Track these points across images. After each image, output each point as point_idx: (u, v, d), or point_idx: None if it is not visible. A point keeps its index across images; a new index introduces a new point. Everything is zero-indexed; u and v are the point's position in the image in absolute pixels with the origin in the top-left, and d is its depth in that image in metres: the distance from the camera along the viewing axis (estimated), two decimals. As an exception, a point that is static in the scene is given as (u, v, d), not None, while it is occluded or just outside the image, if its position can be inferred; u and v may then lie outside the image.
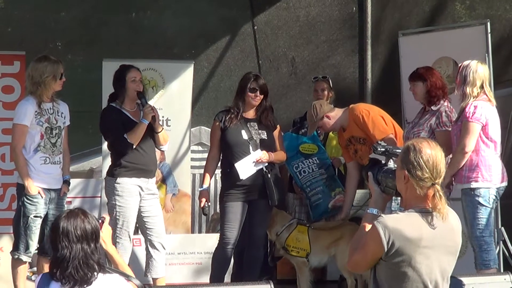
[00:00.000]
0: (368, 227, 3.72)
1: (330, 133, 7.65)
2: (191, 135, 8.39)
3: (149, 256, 6.66)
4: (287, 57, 9.76)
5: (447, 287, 3.73)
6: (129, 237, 6.54)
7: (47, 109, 6.44)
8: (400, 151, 3.80)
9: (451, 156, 6.29)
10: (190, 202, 8.34)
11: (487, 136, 6.19)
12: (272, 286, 4.82)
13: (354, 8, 9.81)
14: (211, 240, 7.34)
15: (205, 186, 6.65)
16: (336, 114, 6.82)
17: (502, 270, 6.59)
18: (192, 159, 8.52)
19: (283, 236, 6.92)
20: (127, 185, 6.48)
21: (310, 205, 7.39)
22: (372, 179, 3.90)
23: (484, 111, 6.16)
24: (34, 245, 6.41)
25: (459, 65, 6.44)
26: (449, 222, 3.70)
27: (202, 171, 7.13)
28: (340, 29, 9.82)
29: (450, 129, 6.42)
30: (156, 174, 6.77)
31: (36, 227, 6.36)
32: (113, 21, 9.32)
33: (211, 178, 6.75)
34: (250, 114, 6.67)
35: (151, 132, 6.57)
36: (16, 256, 6.41)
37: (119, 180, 6.47)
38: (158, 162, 7.00)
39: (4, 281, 6.97)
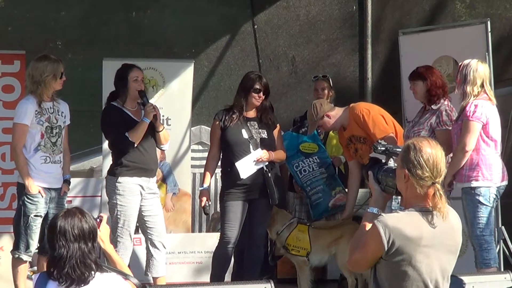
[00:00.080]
0: (368, 226, 3.72)
1: (331, 132, 7.65)
2: (191, 134, 8.39)
3: (149, 255, 6.66)
4: (287, 56, 9.76)
5: (447, 286, 3.73)
6: (130, 236, 6.54)
7: (48, 108, 6.44)
8: (400, 150, 3.80)
9: (451, 155, 6.29)
10: (190, 201, 8.34)
11: (488, 135, 6.19)
12: (273, 285, 4.81)
13: (354, 7, 9.81)
14: (212, 240, 7.34)
15: (205, 185, 6.65)
16: (336, 113, 6.81)
17: (502, 269, 6.59)
18: (193, 158, 8.52)
19: (283, 235, 6.92)
20: (128, 184, 6.48)
21: (310, 204, 7.40)
22: (372, 178, 3.90)
23: (484, 110, 6.16)
24: (34, 244, 6.41)
25: (459, 64, 6.44)
26: (449, 221, 3.70)
27: (202, 170, 7.13)
28: (340, 28, 9.82)
29: (450, 128, 6.42)
30: (156, 174, 6.77)
31: (36, 226, 6.36)
32: (113, 20, 9.32)
33: (211, 177, 6.75)
34: (251, 113, 6.67)
35: (152, 131, 6.58)
36: (17, 256, 6.41)
37: (120, 179, 6.47)
38: (158, 161, 6.99)
39: (5, 280, 6.97)
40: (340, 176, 7.56)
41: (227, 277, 6.89)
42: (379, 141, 4.06)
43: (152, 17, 9.46)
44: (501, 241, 7.10)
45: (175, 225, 8.11)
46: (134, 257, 6.81)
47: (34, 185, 6.32)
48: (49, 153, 6.43)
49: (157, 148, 6.74)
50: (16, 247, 6.43)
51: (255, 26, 9.66)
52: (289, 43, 9.75)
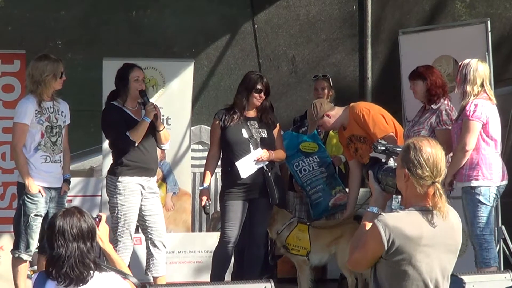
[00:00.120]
0: (368, 225, 3.72)
1: (330, 132, 7.66)
2: (191, 134, 8.39)
3: (149, 254, 6.66)
4: (287, 55, 9.76)
5: (447, 286, 3.73)
6: (131, 235, 6.54)
7: (48, 108, 6.44)
8: (400, 149, 3.80)
9: (451, 154, 6.29)
10: (190, 200, 8.34)
11: (488, 135, 6.19)
12: (273, 284, 4.81)
13: (354, 7, 9.81)
14: (212, 239, 7.34)
15: (205, 184, 6.65)
16: (336, 112, 6.81)
17: (502, 269, 6.60)
18: (193, 158, 8.52)
19: (283, 234, 6.93)
20: (129, 184, 6.48)
21: (310, 204, 7.40)
22: (372, 178, 3.90)
23: (484, 109, 6.16)
24: (34, 244, 6.41)
25: (459, 63, 6.44)
26: (449, 221, 3.70)
27: (202, 169, 7.13)
28: (340, 28, 9.82)
29: (450, 127, 6.42)
30: (156, 173, 6.77)
31: (36, 226, 6.36)
32: (113, 20, 9.32)
33: (211, 176, 6.75)
34: (251, 112, 6.68)
35: (153, 131, 6.58)
36: (17, 255, 6.41)
37: (121, 178, 6.47)
38: (158, 160, 6.99)
39: (5, 280, 6.97)
40: (340, 175, 7.57)
41: (227, 276, 6.89)
42: (379, 141, 4.06)
43: (152, 17, 9.47)
44: (501, 240, 7.09)
45: (175, 225, 8.11)
46: (134, 256, 6.81)
47: (34, 185, 6.32)
48: (49, 153, 6.43)
49: (157, 148, 6.74)
50: (16, 247, 6.43)
51: (255, 26, 9.66)
52: (289, 42, 9.75)
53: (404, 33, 8.27)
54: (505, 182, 6.28)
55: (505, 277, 5.07)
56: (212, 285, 5.40)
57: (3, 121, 7.46)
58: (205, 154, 7.04)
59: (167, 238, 6.81)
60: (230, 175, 6.55)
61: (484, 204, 6.14)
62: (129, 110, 6.58)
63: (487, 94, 6.25)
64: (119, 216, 6.47)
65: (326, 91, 7.85)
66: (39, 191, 6.34)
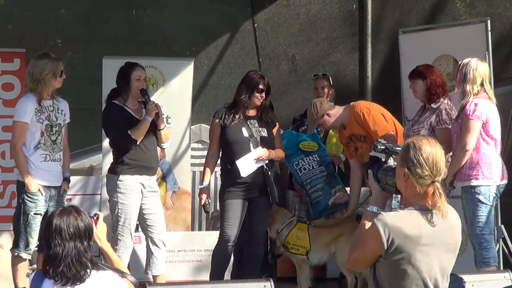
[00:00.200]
0: (368, 224, 3.72)
1: (330, 131, 7.66)
2: (191, 133, 8.39)
3: (149, 253, 6.66)
4: (287, 54, 9.76)
5: (446, 285, 3.73)
6: (131, 234, 6.54)
7: (47, 107, 6.44)
8: (400, 149, 3.80)
9: (451, 154, 6.29)
10: (190, 199, 8.34)
11: (488, 134, 6.19)
12: (272, 283, 4.81)
13: (354, 6, 9.81)
14: (211, 238, 7.34)
15: (205, 183, 6.65)
16: (336, 112, 6.82)
17: (502, 268, 6.60)
18: (192, 157, 8.52)
19: (283, 233, 6.92)
20: (130, 183, 6.48)
21: (310, 203, 7.40)
22: (372, 177, 3.91)
23: (484, 108, 6.16)
24: (34, 242, 6.41)
25: (459, 63, 6.44)
26: (449, 220, 3.70)
27: (202, 168, 7.13)
28: (340, 27, 9.82)
29: (450, 127, 6.42)
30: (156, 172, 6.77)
31: (36, 224, 6.36)
32: (113, 19, 9.32)
33: (211, 175, 6.75)
34: (251, 111, 6.67)
35: (154, 129, 6.58)
36: (16, 254, 6.41)
37: (121, 177, 6.47)
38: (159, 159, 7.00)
39: (4, 278, 6.97)
40: (339, 174, 7.57)
41: (227, 275, 6.89)
42: (379, 140, 4.06)
43: (152, 16, 9.46)
44: (501, 240, 7.10)
45: (175, 223, 8.11)
46: (133, 255, 6.81)
47: (34, 183, 6.32)
48: (49, 151, 6.43)
49: (157, 147, 6.74)
50: (15, 245, 6.43)
51: (255, 25, 9.66)
52: (289, 41, 9.75)
53: (404, 32, 8.27)
54: (504, 181, 6.28)
55: (504, 277, 5.08)
56: (212, 284, 5.40)
57: (3, 119, 7.46)
58: (205, 153, 7.04)
59: (167, 237, 6.80)
60: (230, 174, 6.55)
61: (483, 203, 6.14)
62: (130, 109, 6.58)
63: (487, 93, 6.25)
64: (119, 215, 6.47)
65: (326, 90, 7.85)
66: (39, 190, 6.34)
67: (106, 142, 7.33)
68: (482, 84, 6.23)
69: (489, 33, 7.43)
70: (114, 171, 6.53)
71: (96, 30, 9.23)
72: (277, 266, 7.76)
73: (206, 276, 7.00)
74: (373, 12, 9.69)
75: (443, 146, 3.75)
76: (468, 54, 6.57)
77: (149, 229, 6.64)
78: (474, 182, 6.15)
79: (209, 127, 7.16)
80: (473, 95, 6.19)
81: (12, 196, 7.35)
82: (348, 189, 7.25)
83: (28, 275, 6.53)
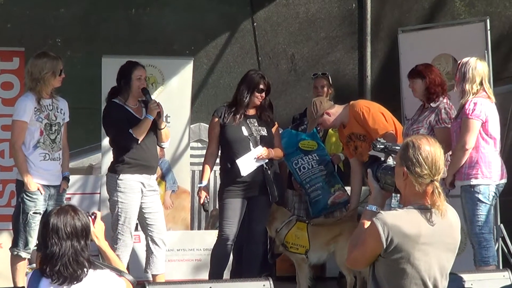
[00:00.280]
0: (367, 224, 3.72)
1: (330, 130, 7.66)
2: (190, 132, 8.39)
3: (149, 252, 6.66)
4: (287, 53, 9.76)
5: (445, 284, 3.73)
6: (131, 234, 6.54)
7: (47, 106, 6.43)
8: (399, 148, 3.80)
9: (450, 153, 6.29)
10: (189, 198, 8.34)
11: (487, 133, 6.19)
12: (271, 282, 4.82)
13: (354, 5, 9.81)
14: (210, 237, 7.34)
15: (204, 182, 6.65)
16: (336, 111, 6.82)
17: (501, 267, 6.60)
18: (192, 156, 8.52)
19: (282, 232, 6.93)
20: (130, 182, 6.48)
21: (309, 202, 7.40)
22: (371, 176, 3.91)
23: (483, 107, 6.16)
24: (33, 241, 6.41)
25: (459, 62, 6.44)
26: (448, 219, 3.70)
27: (201, 167, 7.13)
28: (339, 26, 9.82)
29: (449, 126, 6.42)
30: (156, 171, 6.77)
31: (35, 223, 6.36)
32: (112, 18, 9.32)
33: (210, 174, 6.75)
34: (250, 111, 6.67)
35: (154, 128, 6.58)
36: (15, 253, 6.41)
37: (121, 176, 6.47)
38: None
39: (3, 277, 6.96)
40: (339, 173, 7.57)
41: (226, 274, 6.89)
42: (378, 139, 4.07)
43: (152, 15, 9.46)
44: (500, 239, 7.10)
45: (174, 223, 8.10)
46: (133, 254, 6.81)
47: (33, 182, 6.31)
48: (48, 150, 6.43)
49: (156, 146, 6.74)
50: (15, 244, 6.43)
51: (255, 24, 9.66)
52: (289, 40, 9.75)
53: (404, 31, 8.26)
54: (504, 180, 6.28)
55: (503, 276, 5.09)
56: (211, 283, 5.40)
57: (2, 118, 7.45)
58: (204, 152, 7.03)
59: (166, 236, 6.80)
60: (229, 173, 6.55)
61: (483, 202, 6.14)
62: (130, 108, 6.58)
63: (486, 92, 6.25)
64: (119, 214, 6.46)
65: (325, 89, 7.85)
66: (38, 189, 6.33)
67: (105, 141, 7.33)
68: (481, 83, 6.23)
69: (489, 32, 7.43)
70: (115, 170, 6.52)
71: (95, 29, 9.23)
72: (277, 265, 7.76)
73: (205, 275, 6.99)
74: (372, 11, 9.69)
75: (442, 145, 3.75)
76: (467, 53, 6.58)
77: (149, 228, 6.63)
78: (473, 181, 6.15)
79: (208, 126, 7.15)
80: (473, 94, 6.19)
81: (11, 195, 7.34)
82: (347, 188, 7.26)
83: (27, 274, 6.53)
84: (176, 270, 7.59)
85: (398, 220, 3.61)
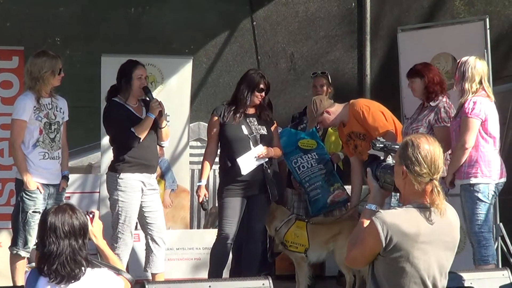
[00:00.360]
0: (366, 222, 3.72)
1: (329, 129, 7.66)
2: (189, 131, 8.39)
3: (149, 251, 6.65)
4: (286, 52, 9.76)
5: (445, 283, 3.73)
6: (131, 232, 6.53)
7: (46, 104, 6.43)
8: (398, 147, 3.81)
9: (449, 152, 6.29)
10: (188, 197, 8.34)
11: (486, 132, 6.19)
12: (271, 281, 4.82)
13: (353, 4, 9.81)
14: (210, 236, 7.34)
15: (203, 181, 6.65)
16: (336, 109, 6.82)
17: (500, 266, 6.60)
18: (191, 155, 8.52)
19: (281, 231, 6.92)
20: (130, 181, 6.47)
21: (308, 200, 7.40)
22: (370, 175, 3.91)
23: (483, 106, 6.16)
24: (32, 240, 6.41)
25: (458, 61, 6.44)
26: (447, 218, 3.70)
27: (200, 166, 7.13)
28: (339, 25, 9.82)
29: (448, 125, 6.42)
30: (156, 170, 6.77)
31: (34, 222, 6.35)
32: (112, 17, 9.32)
33: (209, 172, 6.75)
34: (250, 110, 6.67)
35: (155, 127, 6.58)
36: (15, 252, 6.41)
37: (122, 175, 6.46)
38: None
39: (3, 276, 6.96)
40: (338, 172, 7.56)
41: (225, 273, 6.89)
42: (378, 138, 4.08)
43: (151, 14, 9.46)
44: (499, 238, 7.10)
45: (174, 222, 8.11)
46: (132, 253, 6.80)
47: (32, 181, 6.31)
48: (47, 149, 6.43)
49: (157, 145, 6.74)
50: (14, 243, 6.43)
51: (254, 23, 9.66)
52: (288, 39, 9.75)
53: (403, 30, 8.26)
54: (503, 179, 6.28)
55: (503, 275, 5.09)
56: (210, 282, 5.40)
57: (1, 117, 7.45)
58: (204, 150, 7.03)
59: (166, 235, 6.80)
60: (229, 172, 6.54)
61: (482, 201, 6.14)
62: (131, 107, 6.58)
63: (485, 91, 6.25)
64: (119, 213, 6.45)
65: (324, 88, 7.85)
66: (38, 188, 6.34)
67: (105, 140, 7.32)
68: (480, 82, 6.23)
69: (488, 31, 7.43)
70: (115, 169, 6.51)
71: (94, 28, 9.23)
72: (276, 264, 7.77)
73: (204, 274, 6.99)
74: (372, 10, 9.70)
75: (441, 144, 3.75)
76: (466, 52, 6.58)
77: (148, 227, 6.63)
78: (473, 180, 6.15)
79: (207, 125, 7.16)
80: (472, 93, 6.19)
81: (10, 194, 7.34)
82: (346, 187, 7.26)
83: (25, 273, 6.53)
84: (175, 269, 7.60)
85: (397, 219, 3.61)
